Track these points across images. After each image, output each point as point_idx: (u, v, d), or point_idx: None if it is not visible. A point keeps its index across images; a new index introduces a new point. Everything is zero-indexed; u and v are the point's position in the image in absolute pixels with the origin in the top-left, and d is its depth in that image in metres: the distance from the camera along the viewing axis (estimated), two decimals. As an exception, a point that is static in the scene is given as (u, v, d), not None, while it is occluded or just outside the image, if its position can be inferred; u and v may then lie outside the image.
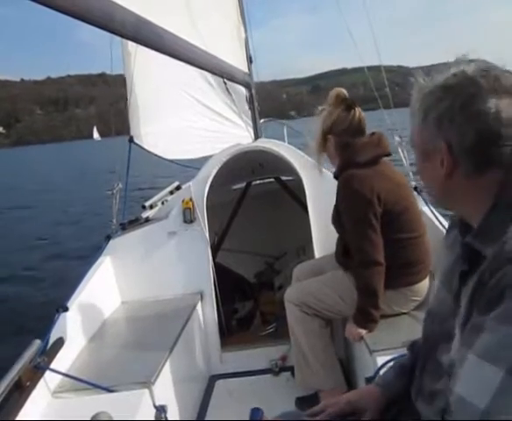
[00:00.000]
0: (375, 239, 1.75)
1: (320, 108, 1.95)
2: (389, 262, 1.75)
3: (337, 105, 1.89)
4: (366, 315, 1.80)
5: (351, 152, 1.85)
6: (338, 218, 1.91)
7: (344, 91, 1.93)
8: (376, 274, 1.76)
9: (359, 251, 1.78)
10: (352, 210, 1.79)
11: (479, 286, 0.73)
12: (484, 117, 0.75)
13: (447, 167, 0.80)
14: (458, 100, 0.77)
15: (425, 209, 2.26)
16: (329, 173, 2.55)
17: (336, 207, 1.93)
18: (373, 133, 1.93)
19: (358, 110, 1.88)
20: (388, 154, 1.91)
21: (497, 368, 0.64)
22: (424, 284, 1.87)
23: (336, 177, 1.94)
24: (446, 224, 2.17)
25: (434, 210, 2.26)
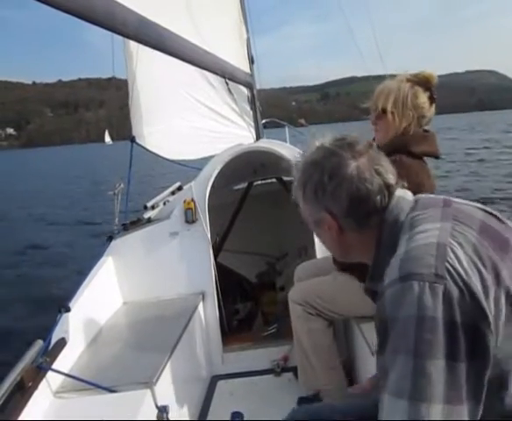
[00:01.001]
0: None
1: (402, 75, 1.77)
2: None
3: (424, 88, 1.74)
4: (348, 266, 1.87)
5: (406, 138, 1.74)
6: None
7: (436, 78, 1.75)
8: None
9: None
10: None
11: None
12: (350, 180, 0.88)
13: (335, 230, 0.93)
14: (325, 172, 0.90)
15: None
16: None
17: None
18: (425, 130, 1.83)
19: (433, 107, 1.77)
20: (438, 156, 1.82)
21: (402, 400, 0.67)
22: None
23: None
24: None
25: None
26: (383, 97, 1.77)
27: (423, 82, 1.75)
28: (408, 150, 1.73)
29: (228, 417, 2.06)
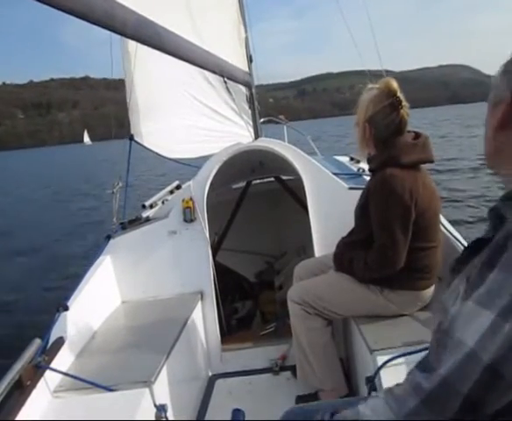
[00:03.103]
0: (404, 245, 1.73)
1: (369, 86, 1.85)
2: (404, 265, 1.75)
3: (385, 97, 1.78)
4: (348, 267, 1.91)
5: (395, 150, 1.77)
6: (363, 214, 1.86)
7: (396, 86, 1.77)
8: (385, 273, 1.79)
9: (385, 252, 1.75)
10: (388, 212, 1.73)
11: (490, 246, 0.73)
12: None
13: (502, 117, 0.81)
14: None
15: (444, 222, 2.29)
16: (328, 172, 2.56)
17: (364, 201, 1.86)
18: (416, 134, 1.85)
19: (402, 112, 1.78)
20: (432, 161, 1.83)
21: (489, 312, 0.65)
22: (430, 291, 1.88)
23: (372, 170, 1.88)
24: (460, 237, 2.22)
25: (449, 226, 2.29)
26: (355, 111, 1.87)
27: (384, 91, 1.79)
28: (397, 162, 1.76)
29: (226, 416, 2.07)
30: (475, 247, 0.82)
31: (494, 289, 0.67)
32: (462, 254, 0.87)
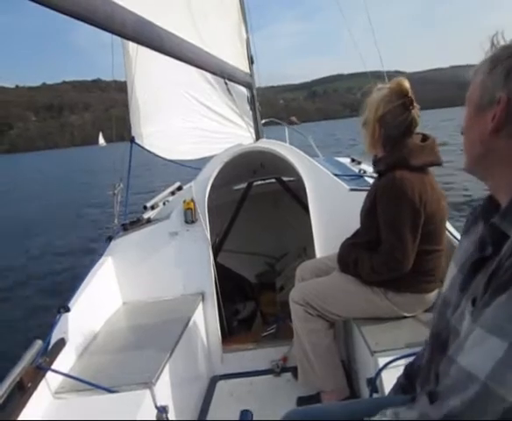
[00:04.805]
0: (413, 248, 1.72)
1: (379, 85, 1.83)
2: (411, 268, 1.75)
3: (396, 97, 1.75)
4: (353, 269, 1.89)
5: (404, 151, 1.75)
6: (370, 215, 1.84)
7: (408, 86, 1.74)
8: (393, 276, 1.78)
9: (393, 253, 1.74)
10: (398, 214, 1.71)
11: (496, 268, 0.71)
12: None
13: (498, 120, 0.77)
14: None
15: (448, 225, 2.28)
16: (329, 173, 2.55)
17: (371, 203, 1.84)
18: (424, 136, 1.83)
19: (414, 112, 1.76)
20: (439, 164, 1.80)
21: (501, 341, 0.63)
22: (433, 294, 1.87)
23: (379, 172, 1.86)
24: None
25: (451, 229, 2.27)
26: (362, 111, 1.85)
27: (395, 91, 1.76)
28: (406, 164, 1.74)
29: (227, 417, 2.07)
30: (479, 265, 0.81)
31: (502, 315, 0.65)
32: (468, 272, 0.85)
